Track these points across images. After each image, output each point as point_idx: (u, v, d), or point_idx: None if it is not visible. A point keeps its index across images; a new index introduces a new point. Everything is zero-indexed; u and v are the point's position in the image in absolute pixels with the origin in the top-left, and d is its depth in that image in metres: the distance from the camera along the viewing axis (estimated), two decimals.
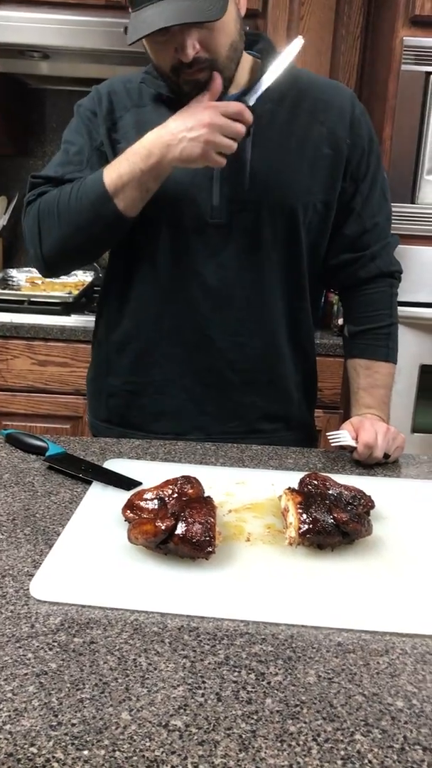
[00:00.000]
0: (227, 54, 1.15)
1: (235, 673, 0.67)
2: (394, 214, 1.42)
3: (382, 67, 2.20)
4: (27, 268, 2.80)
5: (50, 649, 0.69)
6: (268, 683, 0.66)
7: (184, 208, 1.23)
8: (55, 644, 0.70)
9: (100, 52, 2.30)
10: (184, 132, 1.11)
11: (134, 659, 0.69)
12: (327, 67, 2.38)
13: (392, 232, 1.40)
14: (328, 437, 1.21)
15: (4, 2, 2.30)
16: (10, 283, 2.69)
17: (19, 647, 0.70)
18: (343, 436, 1.21)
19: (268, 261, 1.27)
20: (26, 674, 0.66)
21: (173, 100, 1.22)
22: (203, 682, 0.66)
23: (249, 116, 1.11)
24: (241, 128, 1.11)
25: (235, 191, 1.23)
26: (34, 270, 2.73)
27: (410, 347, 2.20)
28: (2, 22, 2.25)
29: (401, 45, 2.07)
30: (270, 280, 1.28)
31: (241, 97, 1.18)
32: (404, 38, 2.06)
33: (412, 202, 2.15)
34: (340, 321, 2.39)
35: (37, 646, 0.70)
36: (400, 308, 1.41)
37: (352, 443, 1.20)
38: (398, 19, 2.08)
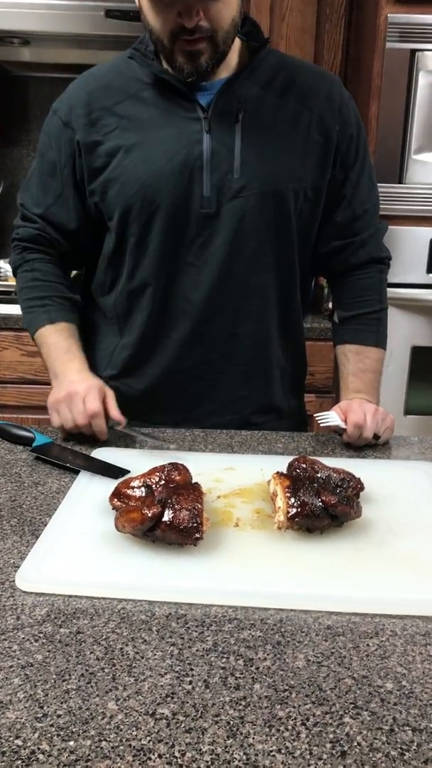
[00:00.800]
0: (227, 29, 1.14)
1: (224, 660, 0.67)
2: (381, 194, 1.40)
3: (367, 45, 2.17)
4: None
5: (36, 641, 0.69)
6: (257, 669, 0.65)
7: (174, 199, 1.21)
8: (41, 635, 0.70)
9: (82, 36, 2.27)
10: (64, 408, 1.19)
11: (121, 648, 0.68)
12: (311, 47, 2.35)
13: (381, 213, 1.38)
14: (316, 418, 1.20)
15: None
16: None
17: (5, 640, 0.69)
18: (331, 417, 1.20)
19: (260, 249, 1.25)
20: (11, 666, 0.65)
21: (159, 83, 1.20)
22: (191, 669, 0.65)
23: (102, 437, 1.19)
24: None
25: (224, 180, 1.21)
26: None
27: (401, 329, 2.19)
28: None
29: (386, 22, 2.04)
30: (261, 269, 1.27)
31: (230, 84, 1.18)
32: (388, 15, 2.04)
33: (400, 182, 2.13)
34: (330, 305, 2.38)
35: (23, 638, 0.69)
36: (390, 290, 1.40)
37: (341, 424, 1.19)
38: None
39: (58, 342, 1.28)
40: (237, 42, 1.23)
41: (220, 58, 1.17)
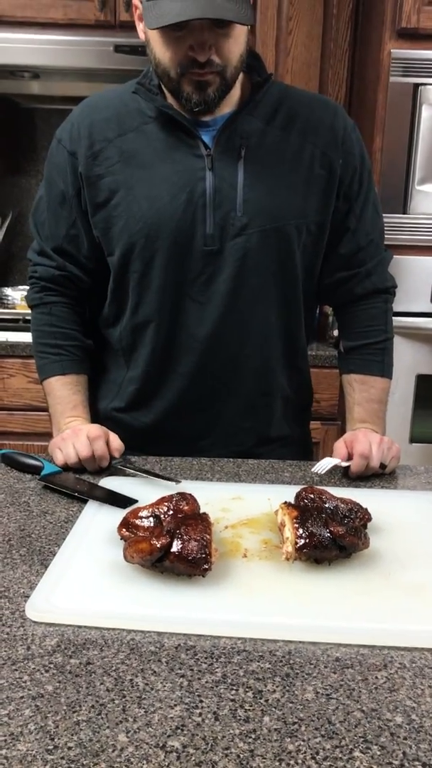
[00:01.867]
0: (236, 64, 1.16)
1: (233, 692, 0.67)
2: (385, 225, 1.42)
3: (371, 79, 2.21)
4: (22, 287, 2.81)
5: (46, 671, 0.69)
6: (266, 701, 0.66)
7: (178, 238, 1.23)
8: (52, 666, 0.70)
9: (90, 71, 2.32)
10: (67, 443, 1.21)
11: (131, 680, 0.68)
12: (316, 81, 2.40)
13: (385, 243, 1.40)
14: (314, 471, 1.20)
15: None
16: (5, 301, 2.69)
17: (15, 670, 0.69)
18: (325, 462, 1.20)
19: (264, 284, 1.27)
20: (22, 697, 0.65)
21: (162, 117, 1.22)
22: (200, 701, 0.65)
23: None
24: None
25: (227, 218, 1.22)
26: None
27: (406, 357, 2.20)
28: None
29: (389, 57, 2.09)
30: (266, 303, 1.28)
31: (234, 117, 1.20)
32: (392, 50, 2.08)
33: (404, 213, 2.16)
34: (336, 332, 2.40)
35: (33, 669, 0.69)
36: (394, 319, 1.42)
37: (337, 461, 1.20)
38: (385, 31, 2.09)
39: (66, 397, 1.32)
40: (240, 75, 1.26)
41: (226, 91, 1.19)
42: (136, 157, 1.23)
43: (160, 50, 1.14)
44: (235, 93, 1.23)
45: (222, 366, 1.29)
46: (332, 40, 2.38)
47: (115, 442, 1.21)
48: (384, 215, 1.41)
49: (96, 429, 1.20)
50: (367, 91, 2.25)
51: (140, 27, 1.19)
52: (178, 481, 1.15)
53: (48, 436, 2.25)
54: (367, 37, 2.30)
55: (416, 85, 2.09)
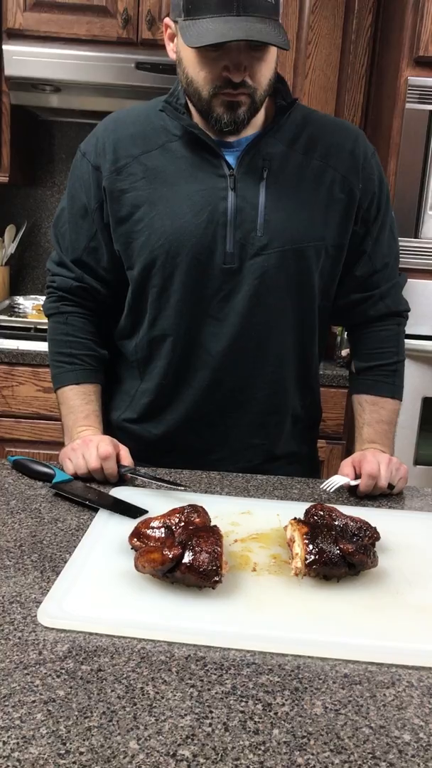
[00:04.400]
0: (266, 87, 1.19)
1: (242, 703, 0.67)
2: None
3: (387, 105, 2.24)
4: (34, 296, 2.83)
5: (58, 677, 0.70)
6: (275, 714, 0.66)
7: (198, 255, 1.24)
8: (63, 671, 0.71)
9: (111, 86, 2.35)
10: (77, 454, 1.22)
11: (141, 688, 0.69)
12: (333, 105, 2.44)
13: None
14: (323, 487, 1.21)
15: (20, 38, 2.36)
16: (16, 310, 2.71)
17: (27, 674, 0.70)
18: (335, 479, 1.21)
19: (281, 304, 1.28)
20: (34, 701, 0.66)
21: (187, 136, 1.24)
22: (210, 711, 0.66)
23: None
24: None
25: (247, 238, 1.24)
26: (40, 297, 2.76)
27: (413, 380, 2.20)
28: (17, 57, 2.31)
29: (405, 84, 2.12)
30: (282, 323, 1.30)
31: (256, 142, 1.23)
32: (409, 78, 2.11)
33: (416, 237, 2.18)
34: (344, 352, 2.42)
35: (45, 674, 0.70)
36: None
37: (348, 481, 1.21)
38: (403, 59, 2.13)
39: (80, 406, 1.33)
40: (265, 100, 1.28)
41: (255, 113, 1.21)
42: (160, 174, 1.25)
43: (194, 69, 1.16)
44: (260, 116, 1.25)
45: (235, 382, 1.31)
46: (350, 65, 2.41)
47: (126, 459, 1.22)
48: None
49: (106, 445, 1.20)
50: (383, 116, 2.29)
51: (170, 47, 1.22)
52: (185, 487, 1.16)
53: (55, 444, 2.28)
54: (384, 64, 2.34)
55: (431, 113, 2.12)
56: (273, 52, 1.16)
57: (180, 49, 1.18)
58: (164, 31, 1.22)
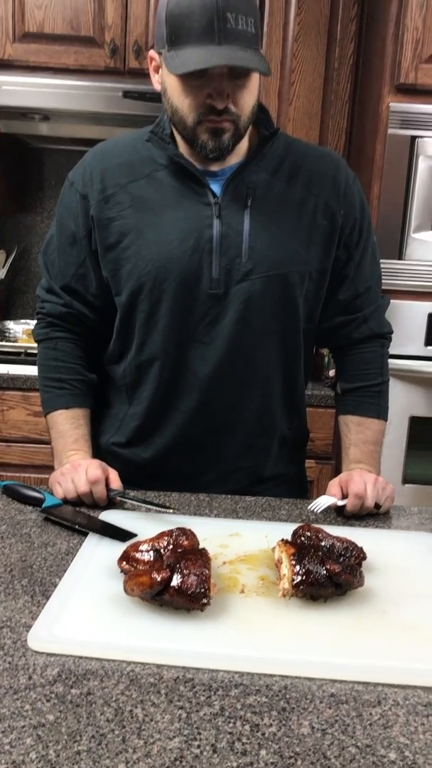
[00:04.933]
0: (249, 115, 1.22)
1: (230, 724, 0.68)
2: (383, 270, 1.46)
3: (370, 130, 2.29)
4: (24, 320, 2.84)
5: (48, 701, 0.70)
6: (263, 734, 0.67)
7: (185, 281, 1.26)
8: (53, 696, 0.71)
9: (99, 114, 2.39)
10: (67, 478, 1.23)
11: (131, 710, 0.70)
12: (317, 130, 2.48)
13: (382, 288, 1.44)
14: (310, 508, 1.22)
15: (9, 68, 2.40)
16: (7, 334, 2.73)
17: (17, 699, 0.70)
18: (322, 500, 1.23)
19: (267, 328, 1.30)
20: (24, 726, 0.67)
21: (173, 166, 1.27)
22: (199, 733, 0.67)
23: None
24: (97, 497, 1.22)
25: (233, 263, 1.27)
26: (30, 322, 2.78)
27: (400, 399, 2.23)
28: (7, 87, 2.34)
29: (388, 110, 2.16)
30: (268, 346, 1.32)
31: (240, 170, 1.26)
32: (390, 104, 2.16)
33: (400, 258, 2.22)
34: (332, 373, 2.44)
35: (35, 698, 0.71)
36: (389, 361, 1.45)
37: (335, 501, 1.22)
38: (384, 86, 2.17)
39: (69, 431, 1.34)
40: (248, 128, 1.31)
41: (239, 139, 1.24)
42: (147, 203, 1.27)
43: (179, 98, 1.19)
44: (243, 144, 1.28)
45: (223, 405, 1.32)
46: (333, 92, 2.46)
47: (115, 482, 1.23)
48: (381, 261, 1.46)
49: (95, 469, 1.21)
50: (366, 141, 2.33)
51: (155, 78, 1.25)
52: (174, 510, 1.17)
53: (45, 468, 2.28)
54: (366, 91, 2.39)
55: (413, 137, 2.16)
56: (255, 80, 1.19)
57: (165, 79, 1.21)
58: (149, 63, 1.25)
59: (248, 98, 1.20)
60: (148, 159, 1.30)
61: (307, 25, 2.42)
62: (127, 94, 2.33)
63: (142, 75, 2.39)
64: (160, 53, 1.19)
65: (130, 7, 2.40)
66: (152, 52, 1.23)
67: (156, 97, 1.30)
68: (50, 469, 1.35)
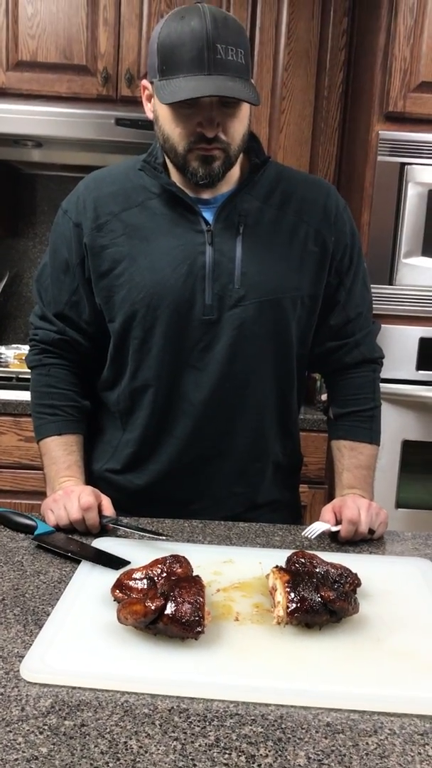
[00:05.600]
0: (239, 143, 1.23)
1: (226, 756, 0.68)
2: (373, 295, 1.48)
3: (360, 157, 2.32)
4: (16, 345, 2.84)
5: (41, 733, 0.70)
6: (259, 765, 0.66)
7: (178, 307, 1.27)
8: (46, 728, 0.70)
9: (91, 141, 2.41)
10: (59, 505, 1.23)
11: (125, 742, 0.69)
12: (307, 157, 2.51)
13: (373, 313, 1.45)
14: (304, 534, 1.22)
15: (2, 96, 2.42)
16: None
17: (10, 731, 0.70)
18: (316, 526, 1.22)
19: (260, 353, 1.31)
20: (17, 759, 0.66)
21: (165, 194, 1.28)
22: (194, 765, 0.66)
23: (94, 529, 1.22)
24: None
25: (225, 290, 1.27)
26: (22, 347, 2.77)
27: (393, 423, 2.24)
28: (0, 114, 2.37)
29: (377, 138, 2.20)
30: (261, 371, 1.32)
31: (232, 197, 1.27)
32: (380, 132, 2.19)
33: (390, 284, 2.24)
34: (323, 397, 2.45)
35: (28, 730, 0.70)
36: (381, 386, 1.46)
37: (329, 527, 1.22)
38: (374, 114, 2.21)
39: (61, 457, 1.34)
40: (239, 156, 1.32)
41: (229, 167, 1.25)
42: (140, 231, 1.29)
43: (170, 126, 1.21)
44: (235, 173, 1.30)
45: (217, 431, 1.32)
46: (323, 119, 2.50)
47: (108, 509, 1.22)
48: (372, 286, 1.47)
49: (87, 496, 1.21)
50: (356, 168, 2.36)
51: (148, 107, 1.27)
52: (167, 537, 1.17)
53: (37, 494, 2.27)
54: (356, 119, 2.43)
55: (403, 164, 2.20)
56: (245, 109, 1.21)
57: (156, 108, 1.23)
58: (142, 92, 1.27)
59: (238, 127, 1.21)
60: (140, 187, 1.32)
61: (296, 54, 2.47)
62: (119, 122, 2.36)
63: (134, 102, 2.42)
64: (152, 82, 1.21)
65: (123, 36, 2.43)
66: (145, 81, 1.25)
67: (148, 125, 1.32)
68: (42, 495, 1.34)
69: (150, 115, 1.28)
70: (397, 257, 2.23)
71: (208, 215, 1.28)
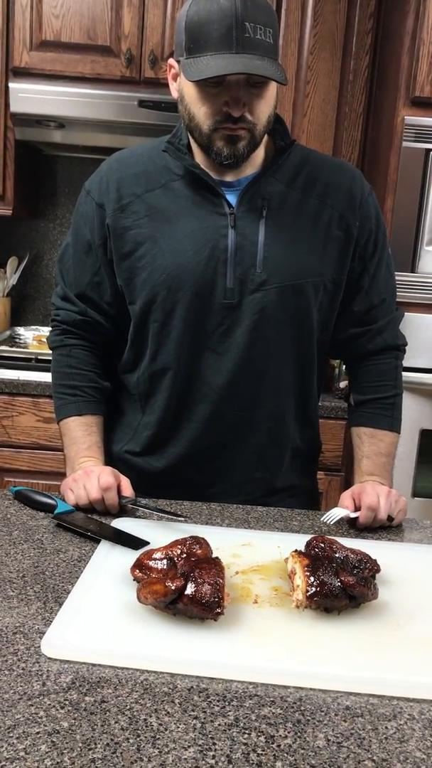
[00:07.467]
0: (265, 124, 1.22)
1: (245, 735, 0.68)
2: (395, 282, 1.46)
3: (385, 143, 2.29)
4: (34, 327, 2.85)
5: (62, 708, 0.70)
6: (278, 746, 0.67)
7: (199, 290, 1.27)
8: (67, 703, 0.71)
9: (114, 123, 2.41)
10: (79, 485, 1.23)
11: (145, 719, 0.69)
12: (331, 142, 2.49)
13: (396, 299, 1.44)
14: (322, 521, 1.22)
15: (25, 76, 2.42)
16: (17, 341, 2.73)
17: (31, 705, 0.70)
18: (335, 512, 1.22)
19: (280, 338, 1.30)
20: (38, 733, 0.66)
21: (189, 176, 1.28)
22: (213, 743, 0.66)
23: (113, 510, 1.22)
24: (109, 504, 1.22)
25: (247, 274, 1.27)
26: (41, 328, 2.78)
27: (410, 412, 2.21)
28: (23, 95, 2.36)
29: (402, 123, 2.17)
30: (281, 356, 1.32)
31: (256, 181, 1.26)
32: (405, 117, 2.17)
33: (413, 271, 2.22)
34: (342, 384, 2.44)
35: (49, 705, 0.70)
36: None
37: (348, 513, 1.22)
38: (399, 99, 2.18)
39: (81, 437, 1.34)
40: (264, 137, 1.31)
41: (254, 148, 1.24)
42: (163, 213, 1.28)
43: (196, 105, 1.20)
44: (259, 155, 1.29)
45: (236, 416, 1.32)
46: (347, 104, 2.47)
47: (127, 490, 1.23)
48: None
49: (107, 476, 1.21)
50: (380, 154, 2.34)
51: (173, 86, 1.26)
52: (186, 519, 1.18)
53: (54, 475, 2.28)
54: (381, 104, 2.40)
55: (428, 150, 2.17)
56: (272, 89, 1.20)
57: (182, 87, 1.22)
58: (168, 71, 1.26)
59: (264, 107, 1.20)
60: (164, 169, 1.31)
61: (322, 38, 2.44)
62: (142, 103, 2.35)
63: (158, 84, 2.41)
64: (179, 61, 1.20)
65: (147, 17, 2.42)
66: (171, 60, 1.24)
67: (171, 107, 1.31)
68: (59, 476, 1.35)
69: (175, 95, 1.26)
70: (420, 244, 2.20)
71: (232, 198, 1.27)
